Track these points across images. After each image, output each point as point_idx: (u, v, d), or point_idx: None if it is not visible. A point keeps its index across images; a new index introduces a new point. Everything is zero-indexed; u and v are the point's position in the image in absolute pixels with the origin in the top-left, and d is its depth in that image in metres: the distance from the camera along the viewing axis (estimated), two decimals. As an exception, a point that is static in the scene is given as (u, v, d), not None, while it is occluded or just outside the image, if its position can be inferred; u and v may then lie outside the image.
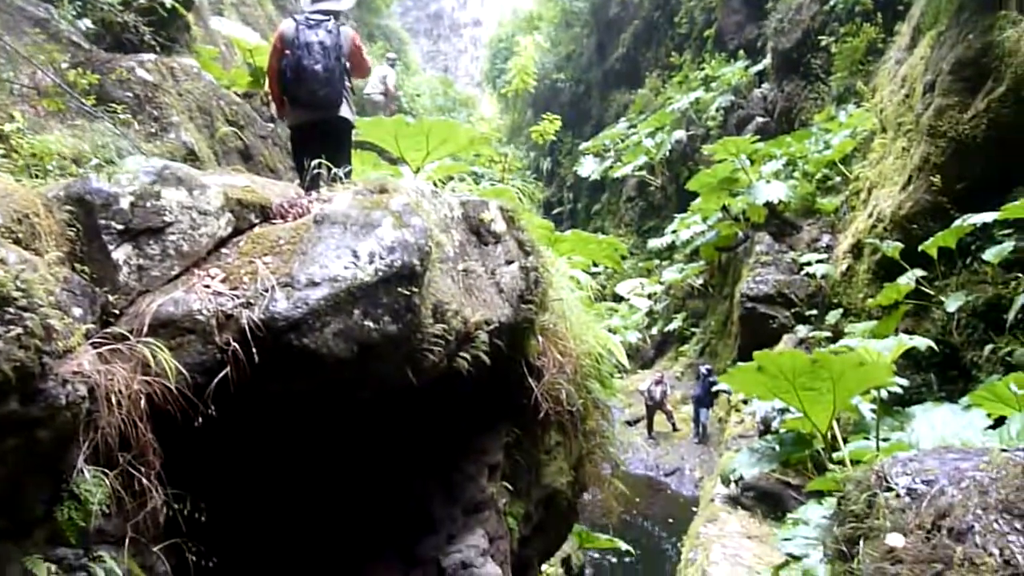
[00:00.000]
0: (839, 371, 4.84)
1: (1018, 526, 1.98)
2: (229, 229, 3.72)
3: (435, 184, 6.81)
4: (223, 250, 3.67)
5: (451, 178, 7.35)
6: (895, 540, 2.50)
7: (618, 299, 20.10)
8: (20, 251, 2.75)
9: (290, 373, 3.51)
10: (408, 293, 3.52)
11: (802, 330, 13.43)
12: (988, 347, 9.65)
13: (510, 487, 5.89)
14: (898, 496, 3.38)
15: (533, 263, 4.87)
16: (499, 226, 4.71)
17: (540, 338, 5.33)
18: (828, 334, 12.69)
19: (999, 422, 6.32)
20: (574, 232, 8.06)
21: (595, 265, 11.22)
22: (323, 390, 3.87)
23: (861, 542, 3.45)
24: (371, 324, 3.44)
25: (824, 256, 14.26)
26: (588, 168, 25.77)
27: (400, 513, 5.25)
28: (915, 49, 12.69)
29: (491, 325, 4.34)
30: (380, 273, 3.45)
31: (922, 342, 6.93)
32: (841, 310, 13.08)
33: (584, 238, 7.80)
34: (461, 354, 4.15)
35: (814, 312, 13.89)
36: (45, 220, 3.09)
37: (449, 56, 51.78)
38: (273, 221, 3.90)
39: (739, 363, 7.49)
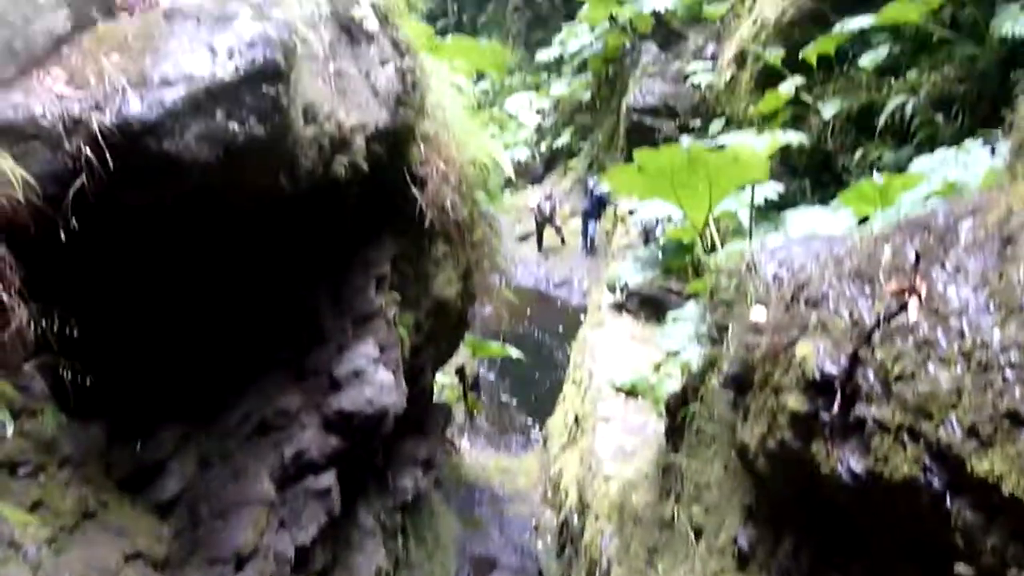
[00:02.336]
0: (715, 167, 4.94)
1: (867, 290, 2.10)
2: (69, 25, 3.37)
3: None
4: (64, 49, 3.33)
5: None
6: (758, 314, 2.64)
7: (507, 117, 19.87)
8: None
9: (154, 181, 3.32)
10: (274, 93, 3.32)
11: (686, 140, 13.63)
12: (859, 152, 10.03)
13: (399, 297, 5.94)
14: (765, 282, 3.54)
15: (409, 64, 4.66)
16: (372, 24, 4.44)
17: (422, 146, 5.20)
18: (711, 144, 12.93)
19: (864, 221, 6.67)
20: (455, 38, 7.74)
21: (481, 79, 10.93)
22: (194, 199, 3.70)
23: (730, 326, 3.63)
24: (236, 126, 3.25)
25: (709, 65, 14.29)
26: (474, -23, 24.64)
27: (290, 326, 5.24)
28: None
29: (368, 129, 4.18)
30: (241, 70, 3.22)
31: (796, 136, 7.14)
32: (724, 119, 13.27)
33: (466, 45, 7.51)
34: (338, 159, 4.01)
35: (698, 122, 14.06)
36: None
37: None
38: (118, 16, 3.54)
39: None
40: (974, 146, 6.53)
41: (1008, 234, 1.82)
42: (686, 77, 14.55)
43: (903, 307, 1.92)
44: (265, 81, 3.28)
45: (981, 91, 8.35)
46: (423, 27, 7.00)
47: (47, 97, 3.10)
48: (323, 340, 5.36)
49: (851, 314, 2.08)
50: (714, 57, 14.48)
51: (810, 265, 2.54)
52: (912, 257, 1.97)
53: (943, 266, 1.89)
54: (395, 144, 4.70)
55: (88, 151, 3.08)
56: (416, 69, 4.74)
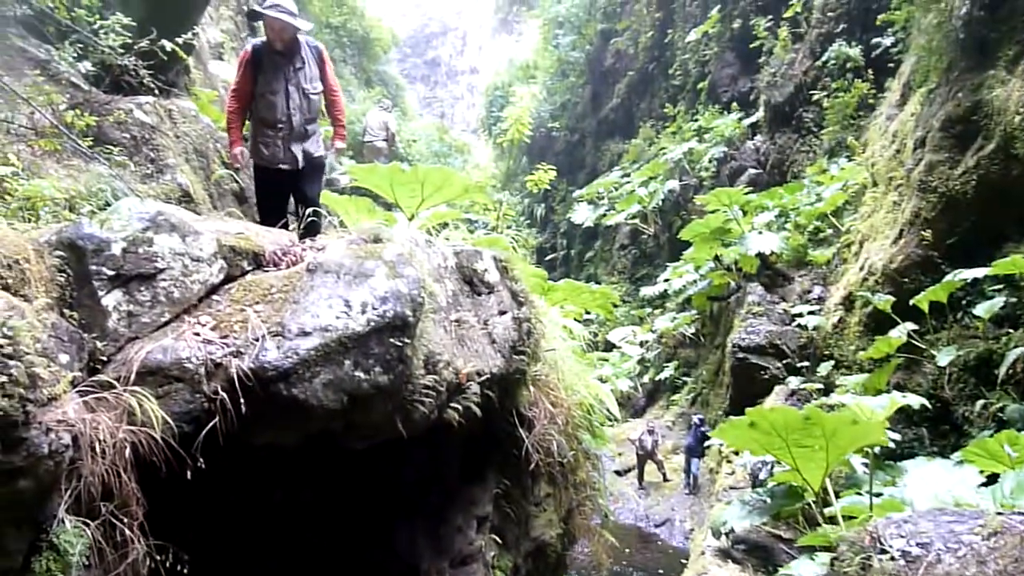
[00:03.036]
0: (832, 429, 4.81)
1: (1017, 599, 1.94)
2: (221, 276, 3.70)
3: (429, 231, 6.83)
4: (215, 297, 3.64)
5: (445, 225, 7.37)
6: (891, 608, 2.45)
7: (610, 346, 20.08)
8: (8, 297, 2.73)
9: (278, 423, 3.47)
10: (400, 344, 3.50)
11: (794, 381, 13.40)
12: (980, 403, 9.63)
13: (499, 539, 5.81)
14: (893, 559, 3.33)
15: (526, 314, 4.86)
16: (492, 276, 4.70)
17: (532, 388, 5.29)
18: (820, 386, 12.66)
19: (992, 479, 6.29)
20: (567, 281, 8.07)
21: (587, 312, 11.21)
22: (310, 440, 3.82)
23: (856, 607, 3.39)
24: (362, 375, 3.41)
25: (816, 308, 14.29)
26: (582, 215, 25.91)
27: (387, 565, 5.16)
28: (905, 106, 12.87)
29: (483, 376, 4.30)
30: (372, 323, 3.43)
31: (915, 400, 6.92)
32: (833, 362, 13.05)
33: (577, 287, 7.80)
34: (452, 405, 4.12)
35: (806, 363, 13.87)
36: (35, 265, 3.06)
37: (445, 102, 52.37)
38: (266, 268, 3.88)
39: (731, 416, 7.45)
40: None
41: None
42: (792, 318, 14.55)
43: (1061, 625, 1.76)
44: (393, 333, 3.47)
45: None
46: (537, 270, 7.35)
47: (194, 342, 3.36)
48: (420, 581, 5.23)
49: (1001, 625, 1.92)
50: (821, 300, 14.51)
51: (947, 558, 2.39)
52: (1066, 568, 1.83)
53: (1103, 582, 1.75)
54: (507, 388, 4.80)
55: (224, 394, 3.27)
56: (532, 317, 4.93)
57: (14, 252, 2.97)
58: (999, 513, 3.11)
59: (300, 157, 6.29)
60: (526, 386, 5.18)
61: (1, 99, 7.02)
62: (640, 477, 17.35)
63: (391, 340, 3.47)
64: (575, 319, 7.09)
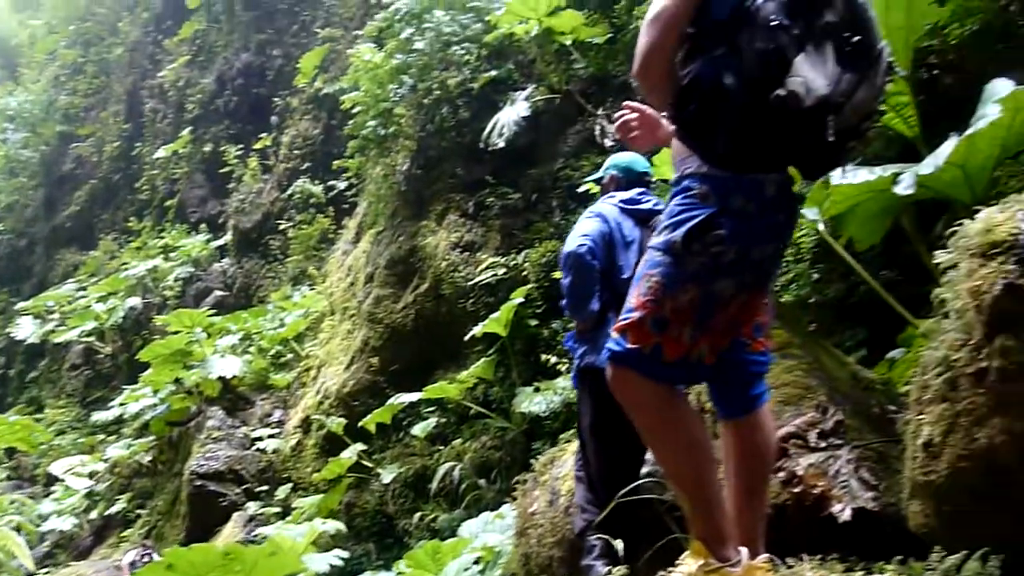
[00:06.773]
0: (252, 562, 4.85)
1: None
2: None
3: None
4: None
5: None
6: None
7: (52, 480, 17.85)
8: None
9: None
10: None
11: (252, 507, 13.31)
12: (417, 515, 10.64)
13: None
14: None
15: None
16: None
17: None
18: (278, 509, 12.78)
19: (424, 586, 6.96)
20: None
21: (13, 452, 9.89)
22: None
23: None
24: None
25: (276, 431, 14.55)
26: (26, 330, 23.04)
27: None
28: (359, 243, 14.20)
29: None
30: None
31: (332, 526, 7.43)
32: (291, 485, 13.33)
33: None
34: None
35: (265, 487, 13.92)
36: None
37: None
38: None
39: (178, 547, 7.08)
40: (508, 511, 7.35)
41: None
42: (253, 442, 14.60)
43: None
44: None
45: (512, 457, 9.61)
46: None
47: None
48: None
49: None
50: (281, 423, 14.83)
51: None
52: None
53: None
54: None
55: None
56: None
57: None
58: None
59: None
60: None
61: None
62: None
63: None
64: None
